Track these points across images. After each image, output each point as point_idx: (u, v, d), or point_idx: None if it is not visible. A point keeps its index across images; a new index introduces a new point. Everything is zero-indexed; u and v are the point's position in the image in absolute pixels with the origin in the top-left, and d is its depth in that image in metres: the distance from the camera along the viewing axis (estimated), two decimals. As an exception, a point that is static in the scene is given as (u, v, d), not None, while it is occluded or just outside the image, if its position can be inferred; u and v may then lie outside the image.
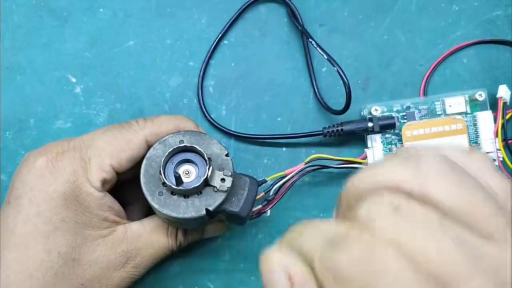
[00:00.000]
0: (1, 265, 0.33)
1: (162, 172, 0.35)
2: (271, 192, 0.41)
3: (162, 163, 0.35)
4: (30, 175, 0.34)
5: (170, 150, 0.35)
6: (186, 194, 0.35)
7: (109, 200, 0.36)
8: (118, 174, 0.36)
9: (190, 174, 0.36)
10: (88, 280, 0.35)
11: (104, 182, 0.35)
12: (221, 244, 0.44)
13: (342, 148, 0.45)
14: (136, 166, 0.36)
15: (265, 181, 0.41)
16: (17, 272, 0.33)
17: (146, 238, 0.37)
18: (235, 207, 0.36)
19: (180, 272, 0.44)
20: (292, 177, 0.41)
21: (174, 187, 0.34)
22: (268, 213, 0.41)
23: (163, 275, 0.44)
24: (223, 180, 0.35)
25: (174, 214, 0.34)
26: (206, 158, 0.35)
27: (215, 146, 0.36)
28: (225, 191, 0.35)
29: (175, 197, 0.35)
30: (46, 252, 0.33)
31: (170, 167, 0.36)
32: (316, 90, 0.45)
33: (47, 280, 0.33)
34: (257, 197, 0.38)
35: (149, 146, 0.36)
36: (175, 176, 0.34)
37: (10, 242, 0.33)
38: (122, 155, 0.35)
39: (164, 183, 0.35)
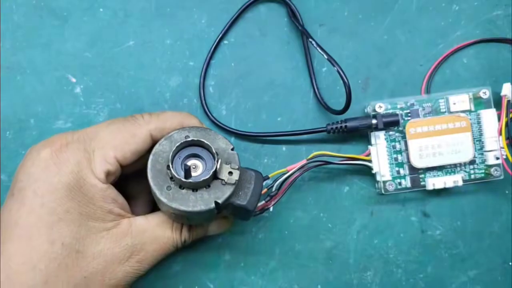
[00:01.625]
0: (4, 257, 0.33)
1: (170, 166, 0.35)
2: (274, 188, 0.41)
3: (170, 157, 0.35)
4: (34, 167, 0.34)
5: (178, 144, 0.35)
6: (195, 187, 0.35)
7: (113, 192, 0.36)
8: (122, 167, 0.36)
9: (197, 169, 0.36)
10: (91, 273, 0.34)
11: (108, 174, 0.35)
12: (221, 244, 0.44)
13: (344, 146, 0.45)
14: (140, 160, 0.37)
15: (268, 178, 0.41)
16: (20, 264, 0.33)
17: (151, 233, 0.37)
18: (243, 200, 0.36)
19: (180, 271, 0.44)
20: (294, 173, 0.41)
21: (184, 180, 0.34)
22: (271, 209, 0.41)
23: (164, 274, 0.44)
24: (230, 173, 0.35)
25: (183, 208, 0.35)
26: (214, 151, 0.35)
27: (221, 141, 0.36)
28: (233, 184, 0.35)
29: (183, 190, 0.35)
30: (50, 243, 0.33)
31: (178, 161, 0.36)
32: (316, 90, 0.45)
33: (50, 271, 0.33)
34: (262, 192, 0.38)
35: (153, 141, 0.36)
36: (184, 169, 0.35)
37: (14, 234, 0.33)
38: (126, 148, 0.36)
39: (172, 178, 0.35)
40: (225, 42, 0.46)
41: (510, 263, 0.45)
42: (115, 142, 0.35)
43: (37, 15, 0.45)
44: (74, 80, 0.45)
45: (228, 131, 0.45)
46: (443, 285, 0.45)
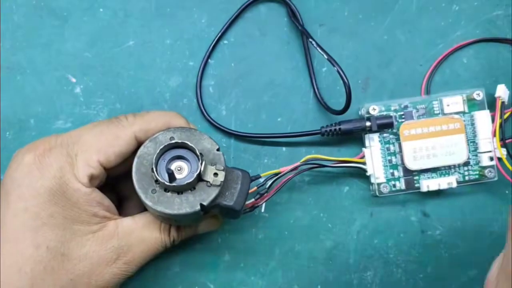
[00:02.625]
0: None
1: (154, 169, 0.35)
2: (266, 186, 0.41)
3: (154, 161, 0.35)
4: (18, 172, 0.35)
5: (162, 147, 0.35)
6: (180, 190, 0.35)
7: (98, 195, 0.36)
8: (107, 169, 0.36)
9: (183, 171, 0.36)
10: (77, 276, 0.35)
11: (91, 177, 0.35)
12: (221, 244, 0.44)
13: (342, 147, 0.45)
14: (126, 161, 0.36)
15: (259, 177, 0.41)
16: (7, 266, 0.33)
17: (138, 234, 0.37)
18: (229, 200, 0.36)
19: (179, 272, 0.44)
20: (287, 174, 0.41)
21: (168, 184, 0.34)
22: (263, 208, 0.41)
23: (163, 275, 0.44)
24: (216, 174, 0.35)
25: (168, 211, 0.35)
26: (198, 153, 0.35)
27: (206, 141, 0.36)
28: (219, 186, 0.35)
29: (168, 193, 0.35)
30: (35, 246, 0.33)
31: (162, 164, 0.36)
32: (316, 90, 0.45)
33: (35, 274, 0.33)
34: (250, 191, 0.38)
35: (138, 142, 0.36)
36: (168, 173, 0.34)
37: (1, 236, 0.34)
38: (110, 150, 0.35)
39: (156, 181, 0.35)
40: (225, 42, 0.46)
41: (510, 263, 0.45)
42: (98, 145, 0.35)
43: (37, 15, 0.45)
44: (74, 80, 0.45)
45: (226, 132, 0.45)
46: (443, 285, 0.45)
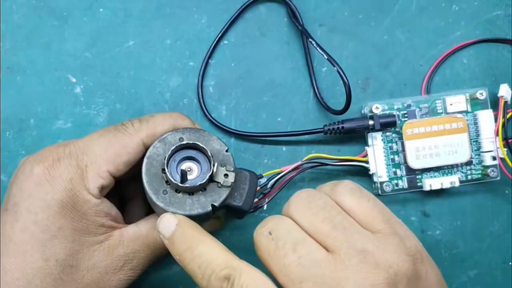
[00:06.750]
0: (1, 272, 0.33)
1: (166, 170, 0.35)
2: (268, 186, 0.41)
3: (165, 161, 0.35)
4: (27, 183, 0.34)
5: (173, 147, 0.35)
6: (191, 191, 0.35)
7: (106, 206, 0.36)
8: (116, 178, 0.36)
9: (193, 172, 0.36)
10: (86, 285, 0.35)
11: (101, 188, 0.35)
12: (221, 243, 0.44)
13: (343, 146, 0.45)
14: (134, 166, 0.36)
15: (261, 176, 0.41)
16: (15, 279, 0.33)
17: (143, 241, 0.37)
18: (238, 201, 0.37)
19: (180, 272, 0.44)
20: (289, 173, 0.41)
21: (180, 185, 0.34)
22: (265, 207, 0.41)
23: (164, 275, 0.44)
24: (226, 175, 0.35)
25: (180, 212, 0.34)
26: (210, 154, 0.35)
27: (215, 142, 0.36)
28: (229, 186, 0.35)
29: (180, 194, 0.35)
30: (44, 260, 0.33)
31: (173, 165, 0.36)
32: (316, 90, 0.45)
33: (45, 286, 0.33)
34: None
35: (146, 148, 0.36)
36: (181, 174, 0.34)
37: (9, 248, 0.34)
38: (119, 160, 0.35)
39: (167, 181, 0.35)
40: (225, 42, 0.46)
41: (510, 263, 0.45)
42: (107, 156, 0.35)
43: (37, 15, 0.45)
44: (74, 80, 0.45)
45: (228, 132, 0.45)
46: (443, 285, 0.45)
